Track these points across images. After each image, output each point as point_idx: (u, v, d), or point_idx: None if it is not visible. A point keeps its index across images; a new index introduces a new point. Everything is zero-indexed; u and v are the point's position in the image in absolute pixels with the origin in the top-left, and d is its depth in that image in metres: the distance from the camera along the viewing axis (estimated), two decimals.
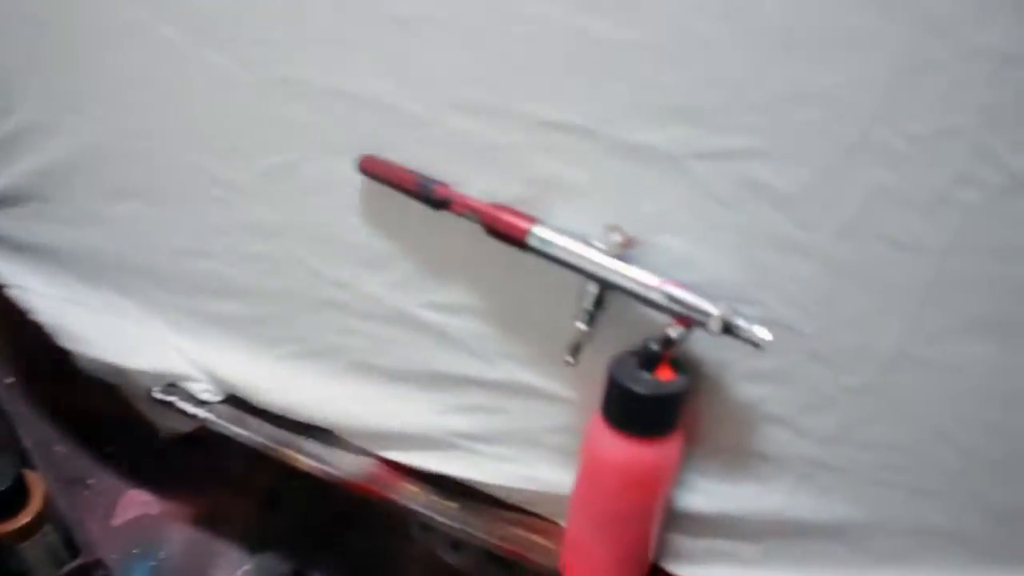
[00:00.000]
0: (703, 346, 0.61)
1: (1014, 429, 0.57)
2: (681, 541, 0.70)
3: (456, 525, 0.72)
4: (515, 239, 0.60)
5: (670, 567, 0.71)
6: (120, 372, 0.82)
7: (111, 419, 0.90)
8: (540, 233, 0.59)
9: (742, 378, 0.61)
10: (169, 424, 0.88)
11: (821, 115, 0.52)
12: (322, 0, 0.61)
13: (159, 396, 0.78)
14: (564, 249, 0.59)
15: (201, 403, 0.79)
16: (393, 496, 0.73)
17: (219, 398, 0.80)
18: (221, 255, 0.74)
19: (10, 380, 0.91)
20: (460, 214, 0.61)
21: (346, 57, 0.62)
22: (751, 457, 0.64)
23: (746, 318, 0.56)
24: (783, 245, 0.56)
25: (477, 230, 0.62)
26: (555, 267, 0.60)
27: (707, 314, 0.56)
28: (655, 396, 0.58)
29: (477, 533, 0.71)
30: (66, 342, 0.82)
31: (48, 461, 0.89)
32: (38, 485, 0.83)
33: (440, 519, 0.72)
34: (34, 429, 0.91)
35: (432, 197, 0.62)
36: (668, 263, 0.59)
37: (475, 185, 0.62)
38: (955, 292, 0.54)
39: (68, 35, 0.71)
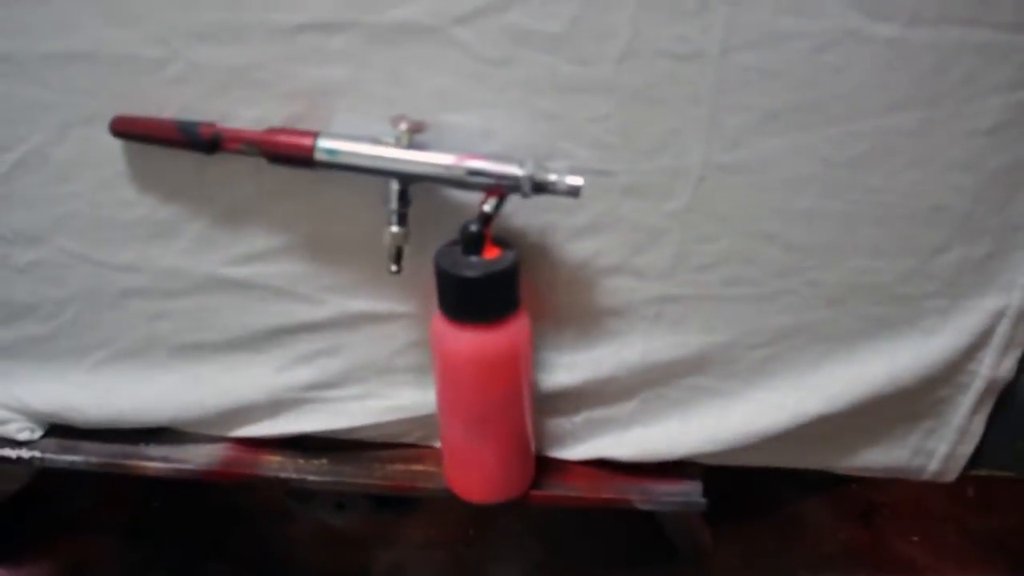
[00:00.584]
0: (521, 218, 0.59)
1: (821, 212, 0.58)
2: (558, 423, 0.68)
3: (331, 479, 0.68)
4: (301, 158, 0.56)
5: (556, 453, 0.69)
6: None
7: None
8: (325, 144, 0.55)
9: (568, 238, 0.60)
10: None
11: None
12: None
13: None
14: (354, 153, 0.55)
15: (20, 443, 0.71)
16: (259, 472, 0.68)
17: (40, 433, 0.72)
18: None
19: None
20: (235, 151, 0.57)
21: (51, 15, 0.56)
22: (599, 315, 0.63)
23: (555, 171, 0.55)
24: (568, 87, 0.55)
25: (258, 164, 0.57)
26: (350, 177, 0.56)
27: (515, 177, 0.54)
28: (488, 276, 0.56)
29: (356, 480, 0.68)
30: None
31: None
32: None
33: (314, 479, 0.68)
34: None
35: (200, 140, 0.56)
36: (464, 140, 0.57)
37: (241, 117, 0.57)
38: (743, 90, 0.54)
39: None
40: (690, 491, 0.66)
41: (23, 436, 0.71)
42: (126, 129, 0.58)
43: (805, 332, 0.63)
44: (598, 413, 0.67)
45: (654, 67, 0.54)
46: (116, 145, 0.60)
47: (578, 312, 0.63)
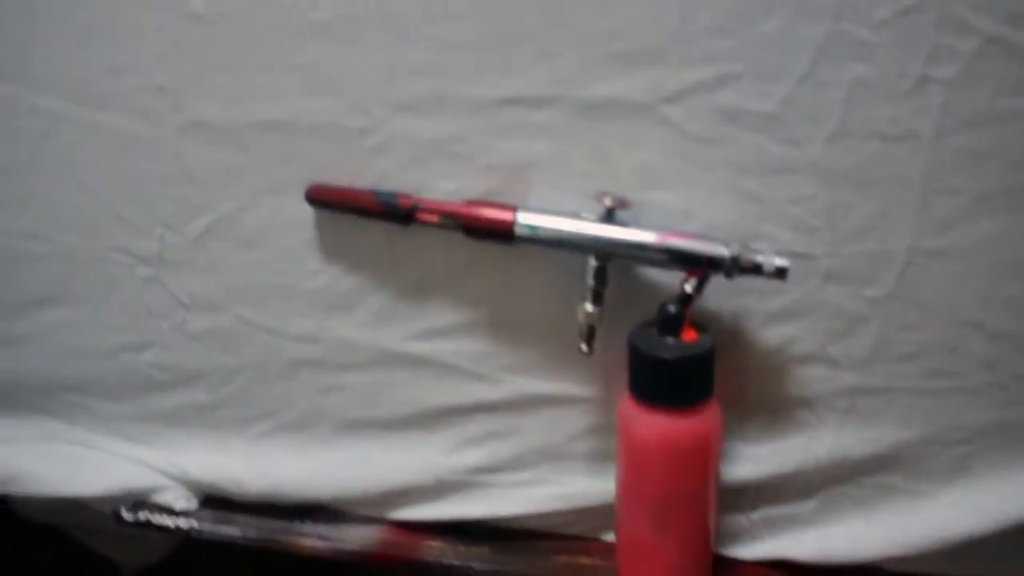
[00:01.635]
0: (716, 300, 0.58)
1: None
2: (735, 520, 0.65)
3: (494, 568, 0.65)
4: (500, 232, 0.55)
5: (729, 551, 0.65)
6: (75, 504, 0.71)
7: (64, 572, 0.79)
8: (526, 219, 0.55)
9: (763, 323, 0.58)
10: (135, 556, 0.78)
11: (780, 24, 0.51)
12: (215, 25, 0.56)
13: (128, 517, 0.68)
14: (555, 229, 0.55)
15: (178, 513, 0.70)
16: (419, 557, 0.66)
17: (196, 503, 0.71)
18: (163, 342, 0.66)
19: None
20: (430, 223, 0.57)
21: (252, 82, 0.57)
22: (790, 406, 0.60)
23: (761, 252, 0.53)
24: (775, 168, 0.54)
25: (450, 238, 0.57)
26: (544, 254, 0.56)
27: (720, 257, 0.53)
28: (685, 359, 0.54)
29: (520, 570, 0.65)
30: (3, 487, 0.71)
31: None
32: None
33: (477, 566, 0.65)
34: None
35: (397, 211, 0.57)
36: (664, 218, 0.56)
37: (438, 188, 0.57)
38: (955, 173, 0.53)
39: None
40: None
41: (180, 505, 0.70)
42: (322, 197, 0.59)
43: (1010, 430, 0.59)
44: (777, 510, 0.63)
45: (864, 148, 0.53)
46: (307, 214, 0.60)
47: (767, 401, 0.60)
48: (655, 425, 0.56)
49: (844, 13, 0.50)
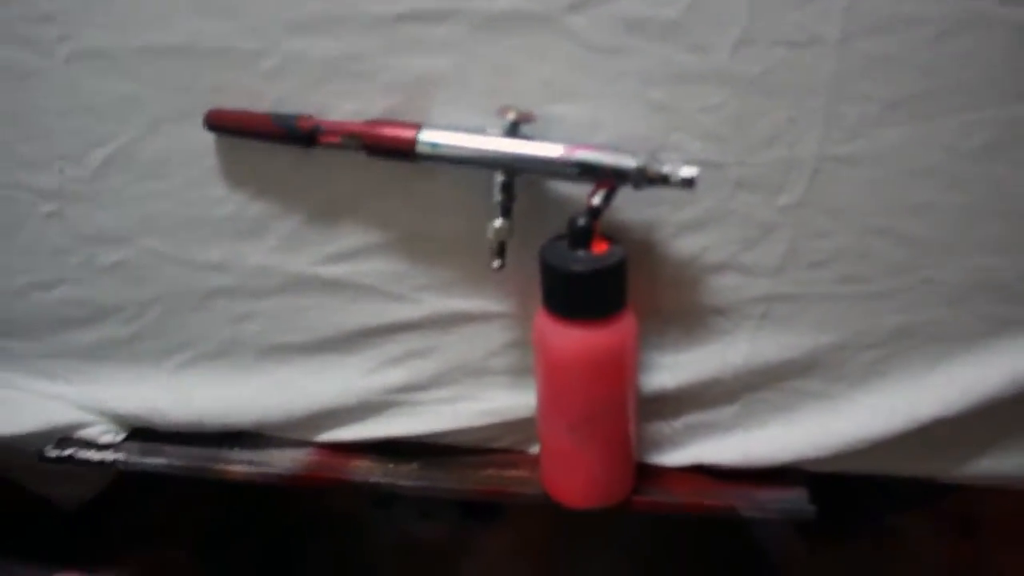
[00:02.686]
0: (628, 212, 0.57)
1: (941, 205, 0.55)
2: (658, 428, 0.66)
3: (423, 484, 0.65)
4: (403, 150, 0.54)
5: (654, 459, 0.67)
6: (1, 446, 0.71)
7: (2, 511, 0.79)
8: (428, 137, 0.54)
9: (675, 233, 0.58)
10: (71, 492, 0.78)
11: None
12: None
13: (53, 455, 0.68)
14: (458, 145, 0.53)
15: (104, 447, 0.69)
16: (346, 477, 0.66)
17: (122, 436, 0.70)
18: (73, 278, 0.65)
19: None
20: (332, 144, 0.55)
21: (149, 5, 0.55)
22: (705, 314, 0.61)
23: (669, 162, 0.52)
24: (682, 77, 0.53)
25: (354, 160, 0.56)
26: (452, 171, 0.55)
27: (627, 169, 0.52)
28: (597, 271, 0.54)
29: (447, 486, 0.65)
30: None
31: None
32: None
33: (405, 483, 0.65)
34: None
35: (298, 133, 0.55)
36: (571, 131, 0.55)
37: (339, 109, 0.56)
38: (863, 79, 0.52)
39: None
40: (796, 498, 0.63)
41: (105, 439, 0.70)
42: (221, 123, 0.57)
43: (921, 333, 0.60)
44: (699, 417, 0.64)
45: (771, 55, 0.52)
46: (208, 141, 0.58)
47: (682, 311, 0.61)
48: (570, 338, 0.56)
49: None
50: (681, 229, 0.58)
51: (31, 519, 0.80)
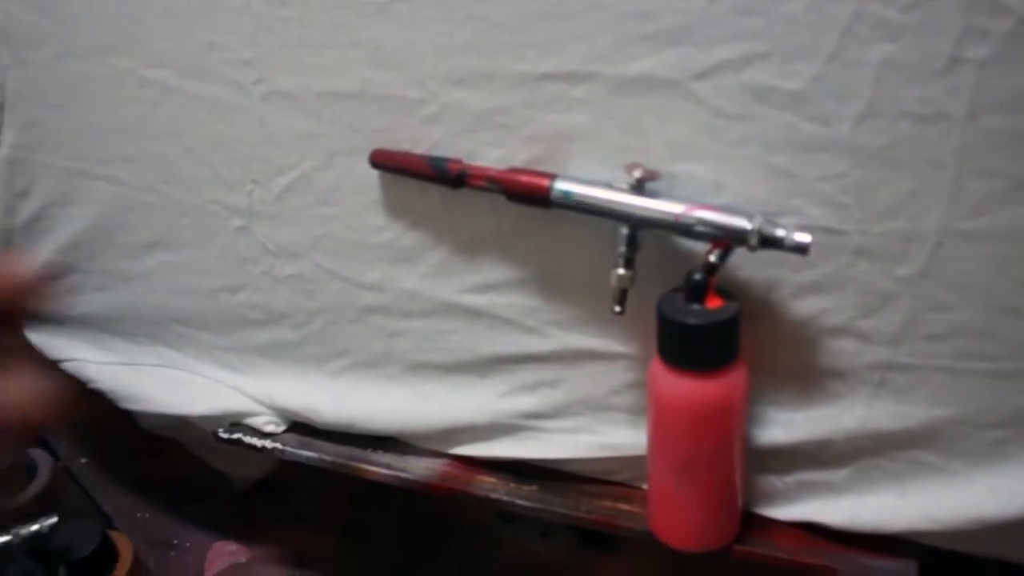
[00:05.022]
0: (748, 270, 0.60)
1: None
2: (769, 481, 0.67)
3: (539, 506, 0.70)
4: (538, 197, 0.59)
5: (764, 511, 0.68)
6: (183, 423, 0.83)
7: (186, 479, 0.91)
8: (561, 186, 0.58)
9: (793, 294, 0.59)
10: (241, 472, 0.88)
11: (806, 4, 0.51)
12: (288, 5, 0.62)
13: (224, 436, 0.78)
14: (587, 196, 0.58)
15: (266, 435, 0.79)
16: (472, 490, 0.72)
17: (283, 428, 0.80)
18: (255, 285, 0.75)
19: (84, 460, 0.92)
20: (479, 187, 0.61)
21: (328, 56, 0.63)
22: (820, 376, 0.62)
23: (783, 227, 0.54)
24: (804, 146, 0.55)
25: (499, 201, 0.61)
26: (583, 219, 0.59)
27: (743, 230, 0.55)
28: (708, 325, 0.56)
29: (561, 510, 0.70)
30: (126, 404, 0.82)
31: (132, 528, 0.90)
32: (126, 546, 0.84)
33: (522, 503, 0.70)
34: (114, 501, 0.92)
35: (448, 175, 0.61)
36: (695, 191, 0.58)
37: (487, 156, 0.61)
38: (989, 155, 0.52)
39: (70, 105, 0.73)
40: (902, 569, 0.63)
41: (269, 428, 0.79)
42: (383, 161, 0.64)
43: None
44: (810, 476, 0.65)
45: (894, 128, 0.53)
46: (372, 176, 0.66)
47: (799, 370, 0.62)
48: (679, 386, 0.59)
49: None
50: (800, 291, 0.59)
51: (208, 491, 0.91)
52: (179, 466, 0.90)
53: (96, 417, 0.85)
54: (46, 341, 0.83)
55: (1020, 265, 0.54)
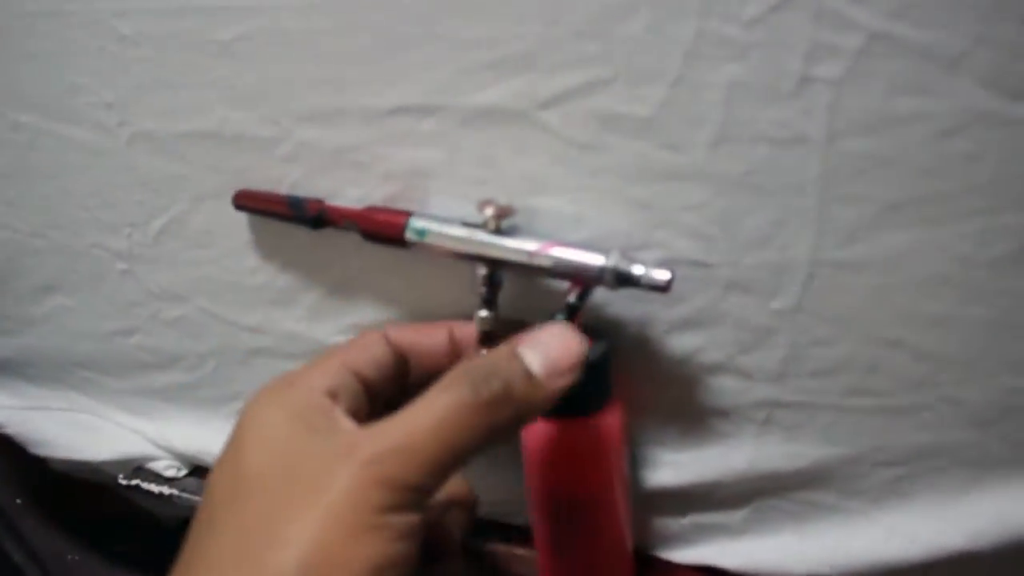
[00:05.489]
0: (617, 307, 0.56)
1: (960, 319, 0.50)
2: (664, 523, 0.64)
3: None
4: (394, 238, 0.56)
5: (663, 553, 0.65)
6: (91, 467, 0.81)
7: (116, 519, 0.90)
8: (416, 224, 0.55)
9: (667, 331, 0.56)
10: (167, 511, 0.87)
11: (645, 24, 0.47)
12: (140, 46, 0.60)
13: (123, 482, 0.77)
14: (441, 235, 0.55)
15: (166, 480, 0.77)
16: None
17: (184, 472, 0.78)
18: (145, 329, 0.73)
19: (19, 500, 0.92)
20: (342, 227, 0.58)
21: (185, 97, 0.60)
22: (704, 415, 0.58)
23: (642, 263, 0.51)
24: (661, 174, 0.51)
25: (362, 241, 0.58)
26: (443, 261, 0.56)
27: (597, 268, 0.51)
28: None
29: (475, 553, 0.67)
30: (35, 449, 0.81)
31: (64, 570, 0.89)
32: None
33: None
34: (47, 542, 0.91)
35: (307, 216, 0.58)
36: (555, 226, 0.54)
37: (347, 195, 0.58)
38: (853, 180, 0.48)
39: None
40: None
41: (170, 473, 0.78)
42: (245, 203, 0.61)
43: (946, 454, 0.54)
44: (706, 518, 0.62)
45: (752, 153, 0.49)
46: (241, 217, 0.63)
47: (681, 409, 0.58)
48: (546, 433, 0.56)
49: (711, 10, 0.46)
50: (674, 327, 0.55)
51: (139, 530, 0.90)
52: (111, 504, 0.88)
53: (31, 456, 0.85)
54: None
55: (899, 295, 0.50)
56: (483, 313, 0.56)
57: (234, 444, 0.44)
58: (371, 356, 0.50)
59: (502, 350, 0.46)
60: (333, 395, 0.45)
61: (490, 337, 0.57)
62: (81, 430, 0.79)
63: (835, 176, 0.48)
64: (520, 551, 0.67)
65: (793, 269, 0.51)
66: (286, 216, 0.60)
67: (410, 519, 0.38)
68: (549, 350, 0.46)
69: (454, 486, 0.53)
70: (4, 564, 0.82)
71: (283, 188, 0.60)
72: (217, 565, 0.38)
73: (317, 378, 0.46)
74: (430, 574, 0.49)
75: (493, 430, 0.42)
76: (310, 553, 0.36)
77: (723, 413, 0.57)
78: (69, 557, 0.91)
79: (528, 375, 0.44)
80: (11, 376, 0.82)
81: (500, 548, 0.67)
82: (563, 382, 0.45)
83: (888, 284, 0.50)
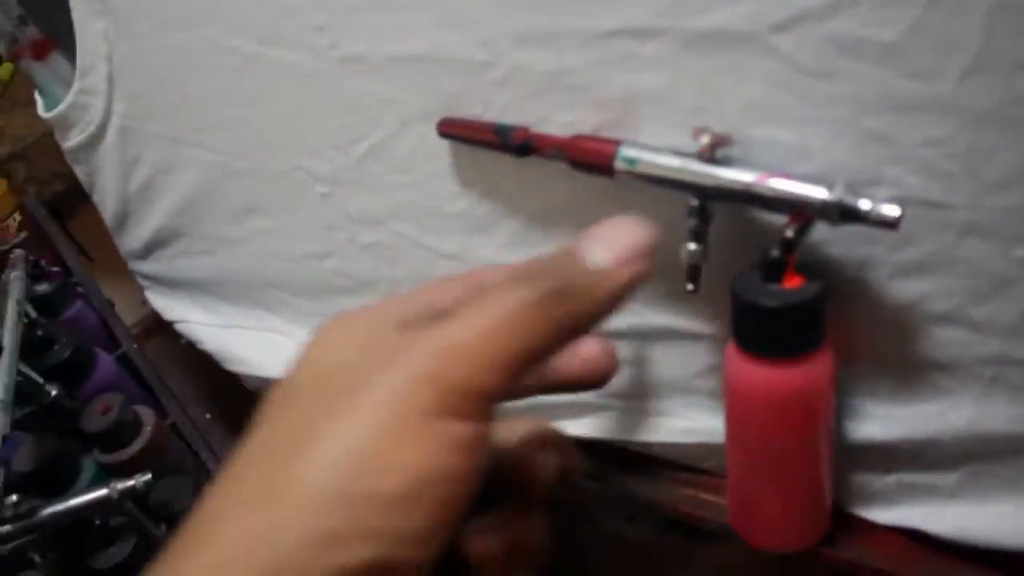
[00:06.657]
0: (839, 247, 0.53)
1: None
2: (867, 479, 0.60)
3: (619, 490, 0.67)
4: (603, 167, 0.55)
5: (861, 511, 0.61)
6: None
7: None
8: (626, 153, 0.54)
9: (891, 276, 0.52)
10: None
11: None
12: None
13: None
14: (652, 164, 0.53)
15: None
16: None
17: None
18: (341, 252, 0.74)
19: (208, 415, 0.96)
20: (547, 156, 0.57)
21: (392, 19, 0.60)
22: (924, 368, 0.54)
23: (870, 199, 0.48)
24: (900, 105, 0.47)
25: (569, 170, 0.57)
26: (654, 192, 0.54)
27: (819, 202, 0.48)
28: (784, 308, 0.51)
29: (640, 496, 0.66)
30: (229, 365, 0.85)
31: None
32: None
33: (598, 486, 0.67)
34: (220, 455, 0.95)
35: (513, 144, 0.58)
36: (776, 158, 0.51)
37: (556, 121, 0.57)
38: None
39: (167, 75, 0.75)
40: None
41: None
42: (450, 130, 0.61)
43: None
44: (914, 477, 0.58)
45: (1010, 85, 0.44)
46: (444, 142, 0.63)
47: (899, 360, 0.55)
48: (755, 376, 0.54)
49: None
50: (899, 272, 0.52)
51: None
52: None
53: (222, 372, 0.89)
54: (162, 303, 0.87)
55: None
56: (691, 246, 0.54)
57: (294, 363, 0.40)
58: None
59: (559, 250, 0.42)
60: (403, 326, 0.41)
61: (697, 272, 0.55)
62: (273, 349, 0.82)
63: None
64: (709, 497, 0.65)
65: None
66: (491, 144, 0.59)
67: (466, 429, 0.32)
68: (610, 240, 0.41)
69: (546, 426, 0.48)
70: (198, 469, 0.87)
71: (491, 113, 0.60)
72: (240, 473, 0.34)
73: (394, 308, 0.42)
74: (502, 526, 0.42)
75: (560, 327, 0.37)
76: (340, 458, 0.31)
77: (945, 367, 0.54)
78: None
79: (590, 267, 0.40)
80: (209, 295, 0.86)
81: (688, 492, 0.65)
82: (629, 271, 0.40)
83: None
